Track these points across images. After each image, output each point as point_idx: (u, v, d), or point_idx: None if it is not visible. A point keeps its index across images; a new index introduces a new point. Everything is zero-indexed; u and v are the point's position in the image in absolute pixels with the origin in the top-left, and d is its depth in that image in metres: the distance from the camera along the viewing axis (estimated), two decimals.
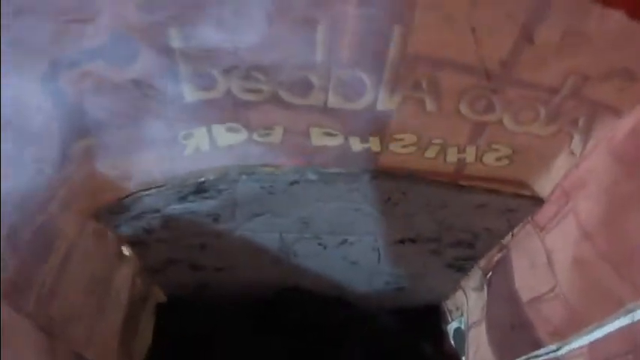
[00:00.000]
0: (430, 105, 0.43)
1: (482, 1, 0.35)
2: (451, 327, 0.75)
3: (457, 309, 0.73)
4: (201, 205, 0.53)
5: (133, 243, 0.58)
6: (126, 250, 0.58)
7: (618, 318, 0.42)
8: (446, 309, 0.77)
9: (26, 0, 0.34)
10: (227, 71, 0.41)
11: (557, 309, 0.49)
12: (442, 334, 0.78)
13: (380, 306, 0.78)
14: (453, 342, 0.75)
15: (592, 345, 0.45)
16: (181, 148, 0.47)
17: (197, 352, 0.72)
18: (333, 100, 0.43)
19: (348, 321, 0.77)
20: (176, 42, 0.38)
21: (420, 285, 0.73)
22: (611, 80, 0.39)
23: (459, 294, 0.72)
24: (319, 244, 0.64)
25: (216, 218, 0.56)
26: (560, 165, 0.47)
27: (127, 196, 0.50)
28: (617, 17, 0.34)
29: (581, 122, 0.43)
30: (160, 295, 0.70)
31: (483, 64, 0.39)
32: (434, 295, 0.77)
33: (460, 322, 0.72)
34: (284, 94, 0.43)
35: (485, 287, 0.64)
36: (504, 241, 0.59)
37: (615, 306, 0.42)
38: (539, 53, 0.38)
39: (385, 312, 0.79)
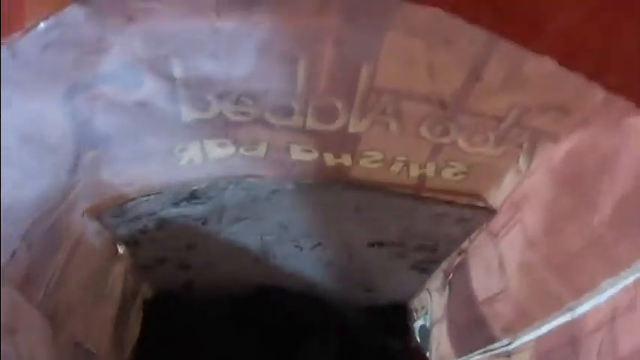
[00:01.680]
0: (394, 128, 0.47)
1: (436, 47, 0.39)
2: (417, 324, 0.78)
3: (422, 308, 0.76)
4: (193, 210, 0.57)
5: (128, 242, 0.61)
6: (120, 249, 0.61)
7: (560, 316, 0.45)
8: (412, 308, 0.80)
9: (54, 37, 0.37)
10: (220, 96, 0.45)
11: (508, 307, 0.53)
12: (409, 331, 0.80)
13: (351, 304, 0.80)
14: (418, 338, 0.77)
15: (538, 339, 0.48)
16: (177, 160, 0.51)
17: (181, 345, 0.74)
18: (311, 123, 0.47)
19: (322, 317, 0.79)
20: (177, 71, 0.42)
21: (387, 285, 0.76)
22: (548, 113, 0.43)
23: (424, 294, 0.75)
24: (296, 247, 0.67)
25: (204, 222, 0.60)
26: (509, 181, 0.51)
27: (127, 201, 0.53)
28: (548, 64, 0.38)
29: (525, 145, 0.47)
30: (147, 292, 0.73)
31: (438, 96, 0.43)
32: (401, 295, 0.79)
33: (425, 320, 0.75)
34: (269, 117, 0.47)
35: (447, 288, 0.66)
36: (463, 246, 0.62)
37: (557, 305, 0.45)
38: (486, 89, 0.42)
39: (356, 310, 0.82)
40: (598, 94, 0.39)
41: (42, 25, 0.36)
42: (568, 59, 0.38)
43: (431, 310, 0.73)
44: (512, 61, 0.40)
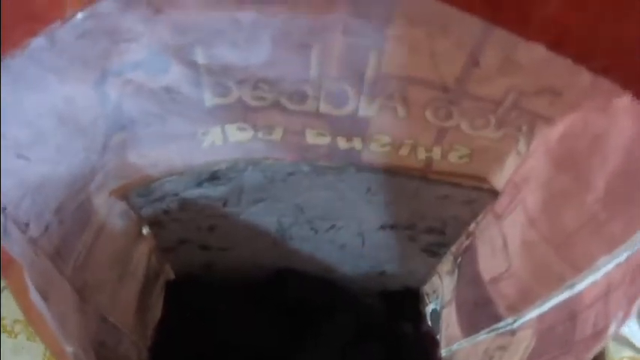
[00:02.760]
0: (401, 112, 0.49)
1: (436, 34, 0.42)
2: (429, 309, 0.79)
3: (434, 292, 0.77)
4: (214, 191, 0.60)
5: (151, 224, 0.63)
6: (145, 230, 0.64)
7: (561, 293, 0.47)
8: (424, 293, 0.81)
9: (88, 27, 0.39)
10: (239, 82, 0.47)
11: (512, 286, 0.54)
12: (421, 316, 0.81)
13: (365, 289, 0.82)
14: (430, 323, 0.78)
15: (540, 316, 0.49)
16: (199, 143, 0.54)
17: (201, 325, 0.75)
18: (324, 107, 0.50)
19: (336, 301, 0.81)
20: (200, 58, 0.45)
21: (399, 269, 0.78)
22: (542, 96, 0.45)
23: (435, 278, 0.76)
24: (311, 229, 0.69)
25: (224, 203, 0.62)
26: (511, 163, 0.53)
27: (152, 182, 0.56)
28: (540, 49, 0.40)
29: (523, 128, 0.48)
30: (169, 273, 0.76)
31: (441, 81, 0.45)
32: (413, 280, 0.81)
33: (436, 304, 0.76)
34: (284, 102, 0.50)
35: (456, 271, 0.68)
36: (471, 229, 0.63)
37: (559, 282, 0.47)
38: (484, 74, 0.44)
39: (369, 295, 0.83)
40: (585, 77, 0.41)
41: (79, 15, 0.39)
42: (555, 46, 0.40)
43: (442, 293, 0.74)
44: (506, 47, 0.42)
